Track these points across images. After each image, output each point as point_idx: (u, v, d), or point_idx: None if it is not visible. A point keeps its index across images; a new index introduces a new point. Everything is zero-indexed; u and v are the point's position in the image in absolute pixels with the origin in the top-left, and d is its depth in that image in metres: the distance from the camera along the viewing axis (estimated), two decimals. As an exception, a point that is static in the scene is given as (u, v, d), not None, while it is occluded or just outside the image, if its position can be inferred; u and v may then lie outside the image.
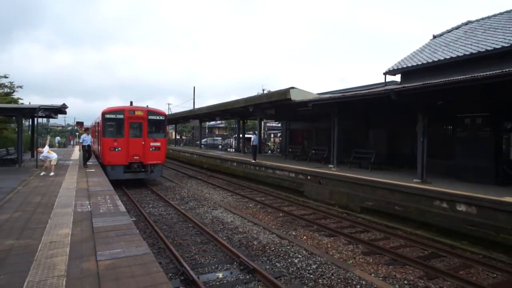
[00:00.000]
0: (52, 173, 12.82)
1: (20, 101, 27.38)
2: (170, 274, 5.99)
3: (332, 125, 14.71)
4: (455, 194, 8.58)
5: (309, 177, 13.90)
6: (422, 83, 9.91)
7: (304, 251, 7.41)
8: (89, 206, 7.55)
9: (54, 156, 13.13)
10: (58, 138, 49.55)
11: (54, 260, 4.32)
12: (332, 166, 14.72)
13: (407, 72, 16.54)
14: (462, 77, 9.09)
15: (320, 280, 5.99)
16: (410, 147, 14.78)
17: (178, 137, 53.31)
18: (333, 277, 6.09)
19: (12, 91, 28.71)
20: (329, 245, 8.21)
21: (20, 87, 29.44)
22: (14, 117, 19.98)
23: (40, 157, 13.41)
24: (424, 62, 15.40)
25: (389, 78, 18.10)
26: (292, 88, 15.47)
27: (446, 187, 9.31)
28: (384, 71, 17.53)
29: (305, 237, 8.86)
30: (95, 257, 4.47)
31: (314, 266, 6.56)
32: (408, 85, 10.89)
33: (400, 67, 16.72)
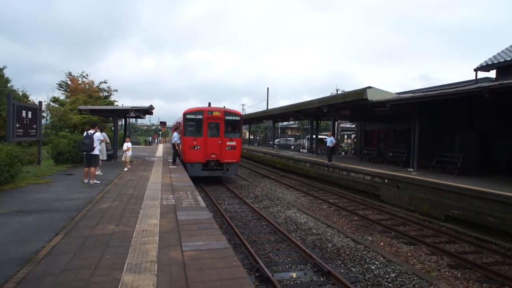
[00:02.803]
0: (125, 169, 13.88)
1: (115, 103, 30.92)
2: (246, 270, 6.20)
3: (413, 126, 13.77)
4: None
5: (386, 181, 13.21)
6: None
7: (381, 258, 7.10)
8: (173, 200, 8.18)
9: (128, 153, 14.39)
10: (150, 138, 54.37)
11: (146, 246, 4.81)
12: (412, 170, 13.79)
13: (504, 67, 14.66)
14: None
15: (399, 290, 5.69)
16: (507, 152, 13.13)
17: (252, 137, 54.68)
18: (414, 289, 5.74)
19: (109, 94, 32.70)
20: (409, 254, 7.73)
21: (116, 90, 33.46)
22: (110, 117, 22.60)
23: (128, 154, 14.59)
24: (528, 54, 13.51)
25: (481, 74, 16.26)
26: (369, 87, 14.88)
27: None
28: (475, 67, 15.74)
29: (382, 243, 8.47)
30: (180, 247, 4.85)
31: (393, 275, 6.25)
32: (506, 81, 9.68)
33: (495, 61, 14.88)
